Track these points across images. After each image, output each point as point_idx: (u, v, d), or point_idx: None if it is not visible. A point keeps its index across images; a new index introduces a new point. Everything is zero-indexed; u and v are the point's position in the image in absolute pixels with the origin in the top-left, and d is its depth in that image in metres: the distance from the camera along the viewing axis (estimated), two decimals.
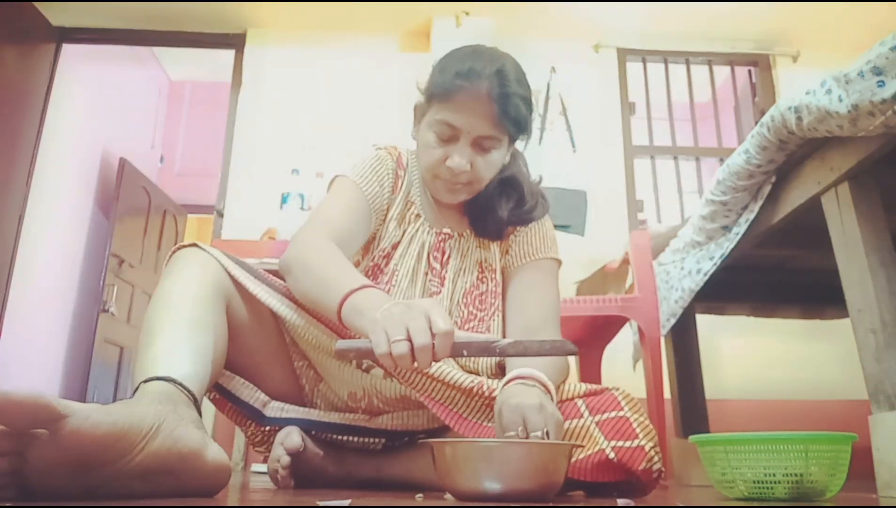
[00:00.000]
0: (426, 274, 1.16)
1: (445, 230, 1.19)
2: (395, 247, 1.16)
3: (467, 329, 1.14)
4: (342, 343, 0.81)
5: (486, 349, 0.82)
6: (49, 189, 3.59)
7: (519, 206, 1.19)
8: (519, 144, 1.19)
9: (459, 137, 1.06)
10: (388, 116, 3.42)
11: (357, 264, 1.18)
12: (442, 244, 1.18)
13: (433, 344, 0.77)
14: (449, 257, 1.18)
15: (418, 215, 1.19)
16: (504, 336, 1.17)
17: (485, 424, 0.97)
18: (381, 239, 1.17)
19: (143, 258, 4.25)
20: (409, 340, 0.76)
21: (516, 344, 0.82)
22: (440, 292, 1.15)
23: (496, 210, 1.18)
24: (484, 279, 1.18)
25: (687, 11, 3.53)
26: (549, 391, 0.92)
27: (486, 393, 0.96)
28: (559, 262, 1.22)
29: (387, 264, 1.15)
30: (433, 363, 0.79)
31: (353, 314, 0.85)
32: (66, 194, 3.81)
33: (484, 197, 1.18)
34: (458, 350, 0.80)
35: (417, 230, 1.18)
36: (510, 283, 1.19)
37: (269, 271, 1.07)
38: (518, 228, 1.21)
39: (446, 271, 1.16)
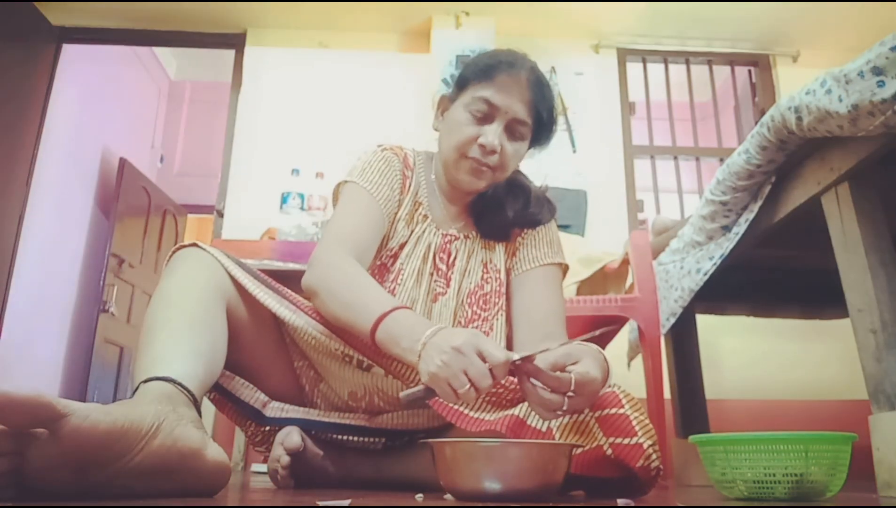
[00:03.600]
0: (431, 275, 1.16)
1: (452, 232, 1.20)
2: (401, 247, 1.17)
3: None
4: (405, 396, 0.84)
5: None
6: (49, 189, 3.59)
7: (525, 208, 1.20)
8: (528, 158, 1.19)
9: (495, 116, 1.09)
10: (389, 115, 3.43)
11: None
12: (448, 246, 1.19)
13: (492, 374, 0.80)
14: (455, 258, 1.18)
15: (425, 216, 1.19)
16: (509, 339, 1.18)
17: (486, 419, 0.96)
18: (389, 239, 1.17)
19: (143, 258, 4.25)
20: (472, 383, 0.79)
21: (566, 344, 0.88)
22: (446, 292, 1.15)
23: (503, 209, 1.19)
24: (488, 280, 1.19)
25: (687, 11, 3.53)
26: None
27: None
28: (566, 267, 1.23)
29: (393, 263, 1.16)
30: None
31: (389, 342, 0.89)
32: (66, 194, 3.81)
33: (492, 197, 1.20)
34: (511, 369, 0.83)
35: (424, 231, 1.18)
36: (517, 288, 1.19)
37: (268, 272, 1.07)
38: (525, 231, 1.22)
39: (452, 273, 1.17)
